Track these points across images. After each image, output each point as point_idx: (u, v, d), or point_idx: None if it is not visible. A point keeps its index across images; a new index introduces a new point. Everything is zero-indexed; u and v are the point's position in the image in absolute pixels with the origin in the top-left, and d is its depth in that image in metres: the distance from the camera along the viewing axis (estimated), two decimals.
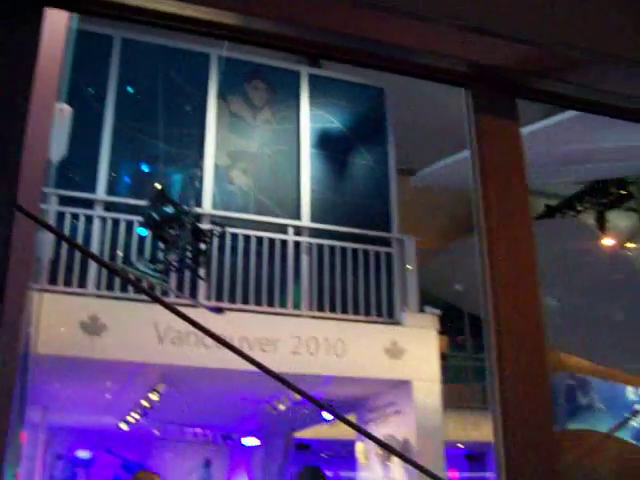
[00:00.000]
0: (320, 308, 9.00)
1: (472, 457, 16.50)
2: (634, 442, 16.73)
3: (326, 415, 10.44)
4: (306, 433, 13.06)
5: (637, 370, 10.94)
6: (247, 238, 8.91)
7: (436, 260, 11.44)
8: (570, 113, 4.84)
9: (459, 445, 15.30)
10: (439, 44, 2.17)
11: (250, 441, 13.85)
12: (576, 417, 16.70)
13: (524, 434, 1.97)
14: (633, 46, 2.37)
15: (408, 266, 9.43)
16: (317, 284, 9.09)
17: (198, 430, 13.54)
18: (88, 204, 8.58)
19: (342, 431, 11.46)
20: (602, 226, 14.81)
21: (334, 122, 10.19)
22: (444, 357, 10.82)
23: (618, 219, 15.16)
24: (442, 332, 9.50)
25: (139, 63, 9.33)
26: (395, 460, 9.04)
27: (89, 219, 8.42)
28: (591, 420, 16.62)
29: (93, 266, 8.12)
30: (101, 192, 8.70)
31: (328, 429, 12.47)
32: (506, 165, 2.21)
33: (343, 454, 13.74)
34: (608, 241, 13.51)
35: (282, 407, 9.78)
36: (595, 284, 10.13)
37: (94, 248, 8.19)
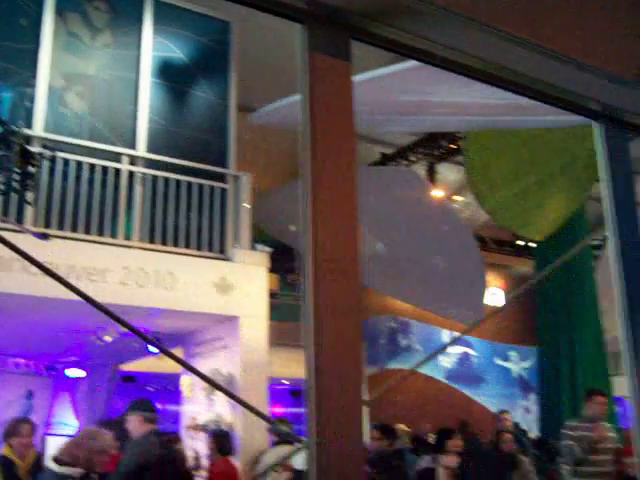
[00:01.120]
0: (151, 240, 8.87)
1: (296, 393, 16.96)
2: (445, 380, 17.81)
3: (152, 348, 10.38)
4: (133, 366, 12.95)
5: (452, 314, 11.59)
6: (79, 164, 8.59)
7: (271, 199, 11.51)
8: (407, 64, 4.95)
9: (284, 381, 15.69)
10: None
11: (74, 372, 13.56)
12: (396, 357, 17.51)
13: (334, 369, 2.02)
14: (467, 1, 2.45)
15: (245, 204, 9.43)
16: (149, 216, 8.94)
17: (20, 360, 13.09)
18: None
19: (169, 364, 11.43)
20: (432, 178, 15.42)
21: (177, 52, 9.93)
22: (274, 295, 10.99)
23: (448, 172, 15.81)
24: (273, 270, 9.63)
25: None
26: (220, 394, 9.15)
27: None
28: (410, 360, 17.51)
29: None
30: None
31: (155, 362, 12.42)
32: (335, 105, 2.21)
33: (169, 387, 13.76)
34: (437, 192, 14.11)
35: (108, 338, 9.62)
36: (422, 232, 10.57)
37: None
